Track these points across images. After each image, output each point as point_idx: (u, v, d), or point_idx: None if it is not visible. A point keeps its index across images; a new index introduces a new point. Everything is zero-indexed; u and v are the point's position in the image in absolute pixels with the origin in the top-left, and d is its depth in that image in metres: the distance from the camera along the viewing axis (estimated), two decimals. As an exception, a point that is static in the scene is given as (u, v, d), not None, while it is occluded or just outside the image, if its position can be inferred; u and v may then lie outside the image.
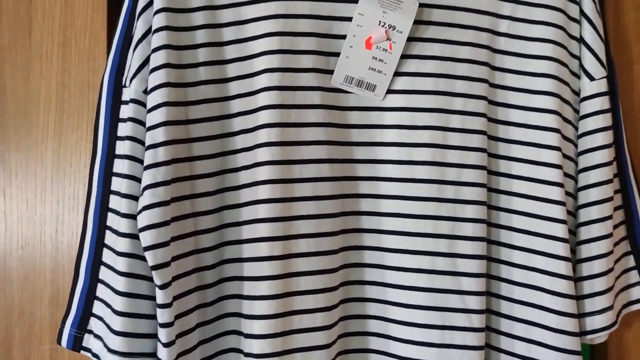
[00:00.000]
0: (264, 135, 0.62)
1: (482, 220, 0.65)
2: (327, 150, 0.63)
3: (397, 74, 0.65)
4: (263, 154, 0.61)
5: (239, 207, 0.63)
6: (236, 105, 0.63)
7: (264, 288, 0.61)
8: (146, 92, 0.60)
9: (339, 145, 0.65)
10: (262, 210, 0.61)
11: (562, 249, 0.64)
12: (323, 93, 0.64)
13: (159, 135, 0.59)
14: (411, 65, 0.65)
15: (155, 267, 0.58)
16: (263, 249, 0.61)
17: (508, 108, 0.67)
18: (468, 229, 0.65)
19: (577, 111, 0.69)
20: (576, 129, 0.69)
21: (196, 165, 0.62)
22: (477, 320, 0.64)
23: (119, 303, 0.59)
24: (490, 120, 0.67)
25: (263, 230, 0.61)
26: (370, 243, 0.66)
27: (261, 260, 0.61)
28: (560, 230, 0.65)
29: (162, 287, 0.58)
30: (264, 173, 0.61)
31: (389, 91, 0.65)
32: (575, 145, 0.68)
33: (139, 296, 0.59)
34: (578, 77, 0.69)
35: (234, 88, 0.63)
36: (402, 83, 0.65)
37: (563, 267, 0.64)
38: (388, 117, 0.65)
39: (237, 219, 0.63)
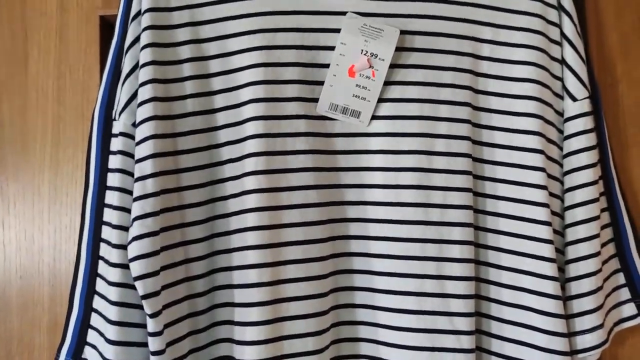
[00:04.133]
0: (250, 164, 0.63)
1: (469, 242, 0.66)
2: (314, 176, 0.65)
3: (381, 100, 0.66)
4: (250, 182, 0.63)
5: (228, 235, 0.65)
6: (223, 135, 0.65)
7: (254, 314, 0.62)
8: (135, 125, 0.62)
9: (326, 172, 0.66)
10: (251, 237, 0.62)
11: (549, 268, 0.65)
12: (308, 121, 0.65)
13: (147, 167, 0.60)
14: (395, 92, 0.66)
15: (145, 297, 0.59)
16: (253, 276, 0.62)
17: (492, 130, 0.68)
18: (455, 251, 0.65)
19: (561, 131, 0.69)
20: (561, 149, 0.69)
21: (185, 195, 0.64)
22: (466, 342, 0.65)
23: (111, 331, 0.60)
24: (475, 142, 0.68)
25: (252, 256, 0.62)
26: (359, 266, 0.67)
27: (251, 286, 0.62)
28: (547, 250, 0.65)
29: (153, 315, 0.59)
30: (251, 201, 0.63)
31: (374, 117, 0.66)
32: (561, 165, 0.69)
33: (131, 324, 0.61)
34: (561, 97, 0.69)
35: (221, 118, 0.65)
36: (386, 109, 0.66)
37: (551, 287, 0.65)
38: (374, 143, 0.66)
39: (226, 245, 0.65)
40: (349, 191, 0.67)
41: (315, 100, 0.66)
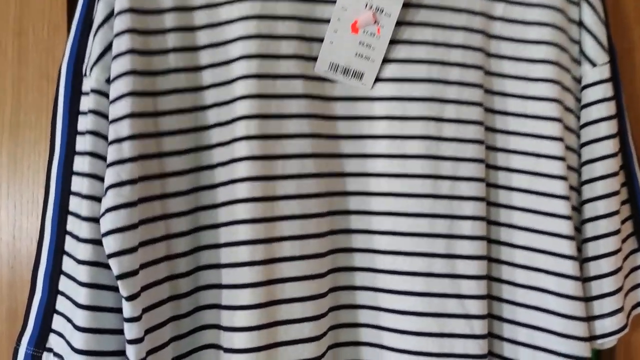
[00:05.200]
0: (241, 128, 0.56)
1: (481, 218, 0.60)
2: (311, 143, 0.58)
3: (386, 60, 0.59)
4: (241, 149, 0.55)
5: (216, 208, 0.57)
6: (210, 96, 0.57)
7: (245, 296, 0.55)
8: (109, 81, 0.54)
9: (324, 139, 0.59)
10: (241, 211, 0.55)
11: (567, 246, 0.59)
12: (306, 82, 0.58)
13: (123, 128, 0.53)
14: (401, 52, 0.60)
15: (121, 276, 0.51)
16: (243, 254, 0.55)
17: (505, 97, 0.62)
18: (466, 228, 0.59)
19: (578, 100, 0.64)
20: (578, 118, 0.64)
21: (166, 162, 0.56)
22: (478, 327, 0.59)
23: (81, 317, 0.52)
24: (487, 110, 0.62)
25: (243, 232, 0.55)
26: (360, 245, 0.60)
27: (241, 265, 0.55)
28: (565, 227, 0.60)
29: (130, 298, 0.51)
30: (242, 170, 0.55)
31: (378, 79, 0.60)
32: (578, 136, 0.64)
33: (104, 309, 0.53)
34: (579, 63, 0.64)
35: (208, 77, 0.57)
36: (392, 70, 0.59)
37: (569, 267, 0.59)
38: (377, 108, 0.60)
39: (213, 220, 0.57)
40: (349, 161, 0.60)
41: (314, 59, 0.59)
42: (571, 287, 0.59)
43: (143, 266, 0.53)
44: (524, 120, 0.62)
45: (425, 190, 0.59)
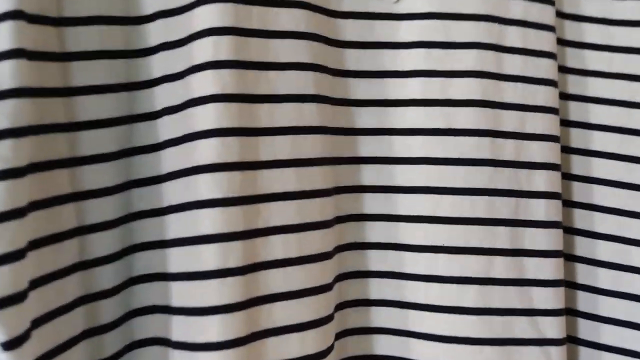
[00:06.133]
0: (206, 51, 0.34)
1: (556, 195, 0.41)
2: (311, 78, 0.37)
3: (420, -42, 0.39)
4: (205, 82, 0.34)
5: (161, 183, 0.35)
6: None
7: (213, 329, 0.33)
8: None
9: (329, 75, 0.38)
10: (205, 184, 0.33)
11: None
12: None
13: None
14: (443, -51, 0.39)
15: (-4, 305, 0.28)
16: (209, 257, 0.33)
17: (582, 23, 0.44)
18: (540, 210, 0.40)
19: None
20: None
21: (77, 102, 0.33)
22: (557, 356, 0.40)
23: None
24: (560, 41, 0.43)
25: (208, 220, 0.33)
26: (380, 237, 0.40)
27: (206, 277, 0.33)
28: None
29: (10, 345, 0.28)
30: (207, 116, 0.33)
31: (408, -14, 0.39)
32: None
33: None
34: None
35: None
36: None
37: None
38: (406, 30, 0.40)
39: (156, 203, 0.35)
40: (364, 111, 0.40)
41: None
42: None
43: (37, 283, 0.31)
44: (611, 55, 0.43)
45: (480, 153, 0.39)
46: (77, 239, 0.33)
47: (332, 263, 0.38)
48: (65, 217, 0.33)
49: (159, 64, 0.35)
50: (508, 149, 0.40)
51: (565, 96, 0.44)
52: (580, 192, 0.43)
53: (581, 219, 0.43)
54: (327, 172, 0.38)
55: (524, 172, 0.40)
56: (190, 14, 0.34)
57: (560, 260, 0.40)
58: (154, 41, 0.35)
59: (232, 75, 0.34)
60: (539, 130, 0.40)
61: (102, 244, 0.34)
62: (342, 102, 0.39)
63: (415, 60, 0.39)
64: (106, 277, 0.35)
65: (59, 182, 0.33)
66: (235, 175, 0.34)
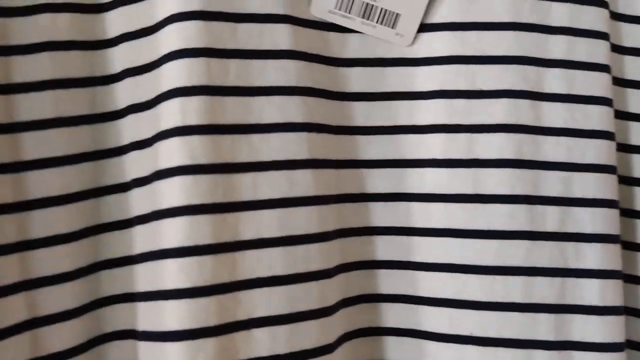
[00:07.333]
0: (174, 111, 0.29)
1: (614, 274, 0.33)
2: (307, 140, 0.31)
3: (438, -9, 0.33)
4: (172, 152, 0.29)
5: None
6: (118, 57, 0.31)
7: None
8: None
9: (333, 135, 0.33)
10: (169, 273, 0.28)
11: None
12: (296, 29, 0.32)
13: None
14: (465, -25, 0.33)
15: None
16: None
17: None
18: (593, 292, 0.33)
19: None
20: None
21: (28, 178, 0.29)
22: None
23: None
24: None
25: (172, 314, 0.28)
26: (398, 322, 0.34)
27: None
28: None
29: None
30: (173, 192, 0.28)
31: (425, 27, 0.33)
32: None
33: None
34: None
35: (115, 20, 0.31)
36: (448, 10, 0.33)
37: None
38: (424, 78, 0.34)
39: (129, 287, 0.31)
40: (377, 173, 0.34)
41: (309, -11, 0.32)
42: None
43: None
44: None
45: (515, 224, 0.32)
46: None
47: (338, 356, 0.32)
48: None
49: (127, 130, 0.31)
50: (550, 218, 0.32)
51: (624, 147, 0.36)
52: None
53: None
54: (329, 249, 0.32)
55: (571, 246, 0.33)
56: (158, 72, 0.30)
57: (622, 356, 0.33)
58: (121, 103, 0.31)
59: (204, 142, 0.29)
60: (590, 194, 0.33)
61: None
62: (349, 164, 0.33)
63: (435, 113, 0.33)
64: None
65: (7, 271, 0.28)
66: (206, 260, 0.28)
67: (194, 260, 0.28)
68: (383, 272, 0.34)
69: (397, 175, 0.34)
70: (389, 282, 0.34)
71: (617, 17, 0.36)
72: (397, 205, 0.34)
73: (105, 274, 0.31)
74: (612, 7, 0.36)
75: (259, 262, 0.30)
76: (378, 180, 0.34)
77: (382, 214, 0.34)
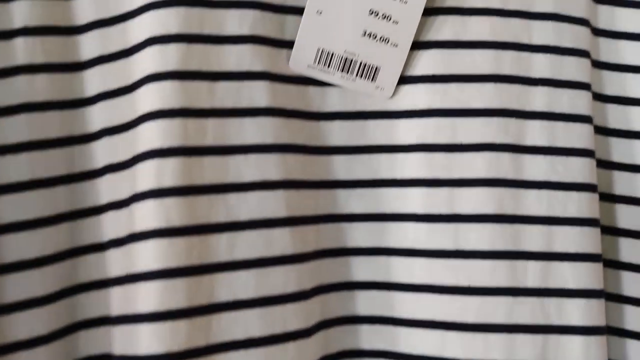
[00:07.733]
0: (149, 173, 0.29)
1: (598, 330, 0.33)
2: (284, 198, 0.31)
3: (419, 44, 0.33)
4: (146, 216, 0.29)
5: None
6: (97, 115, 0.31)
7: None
8: None
9: (311, 189, 0.32)
10: (141, 341, 0.28)
11: None
12: (272, 86, 0.31)
13: None
14: (446, 29, 0.33)
15: None
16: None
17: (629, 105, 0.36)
18: (575, 349, 0.32)
19: None
20: None
21: (2, 242, 0.29)
22: None
23: None
24: (598, 129, 0.35)
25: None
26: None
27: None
28: None
29: None
30: (147, 257, 0.28)
31: (405, 79, 0.33)
32: None
33: None
34: None
35: (93, 79, 0.31)
36: (428, 62, 0.33)
37: None
38: (406, 129, 0.33)
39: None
40: (357, 227, 0.34)
41: (287, 44, 0.32)
42: None
43: None
44: None
45: (496, 280, 0.32)
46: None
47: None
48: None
49: (105, 189, 0.31)
50: (532, 274, 0.32)
51: (609, 197, 0.36)
52: (637, 318, 0.35)
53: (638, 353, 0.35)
54: (307, 308, 0.31)
55: (553, 302, 0.32)
56: (135, 132, 0.30)
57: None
58: (99, 162, 0.31)
59: (179, 204, 0.29)
60: (572, 249, 0.33)
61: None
62: (329, 218, 0.33)
63: (415, 167, 0.33)
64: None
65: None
66: (180, 325, 0.28)
67: (168, 326, 0.28)
68: (364, 328, 0.34)
69: (378, 229, 0.33)
70: (369, 338, 0.33)
71: (599, 65, 0.36)
72: (377, 259, 0.33)
73: (81, 334, 0.31)
74: (593, 56, 0.35)
75: (235, 324, 0.29)
76: (358, 234, 0.33)
77: (362, 269, 0.33)
